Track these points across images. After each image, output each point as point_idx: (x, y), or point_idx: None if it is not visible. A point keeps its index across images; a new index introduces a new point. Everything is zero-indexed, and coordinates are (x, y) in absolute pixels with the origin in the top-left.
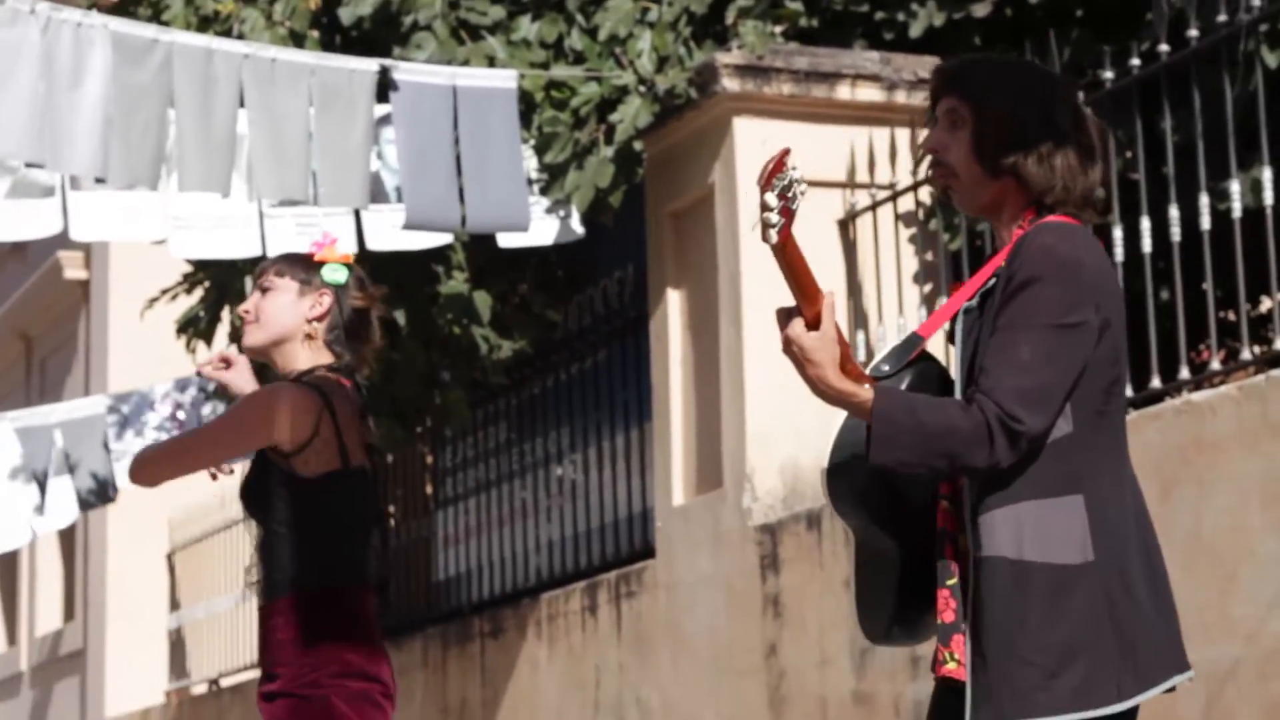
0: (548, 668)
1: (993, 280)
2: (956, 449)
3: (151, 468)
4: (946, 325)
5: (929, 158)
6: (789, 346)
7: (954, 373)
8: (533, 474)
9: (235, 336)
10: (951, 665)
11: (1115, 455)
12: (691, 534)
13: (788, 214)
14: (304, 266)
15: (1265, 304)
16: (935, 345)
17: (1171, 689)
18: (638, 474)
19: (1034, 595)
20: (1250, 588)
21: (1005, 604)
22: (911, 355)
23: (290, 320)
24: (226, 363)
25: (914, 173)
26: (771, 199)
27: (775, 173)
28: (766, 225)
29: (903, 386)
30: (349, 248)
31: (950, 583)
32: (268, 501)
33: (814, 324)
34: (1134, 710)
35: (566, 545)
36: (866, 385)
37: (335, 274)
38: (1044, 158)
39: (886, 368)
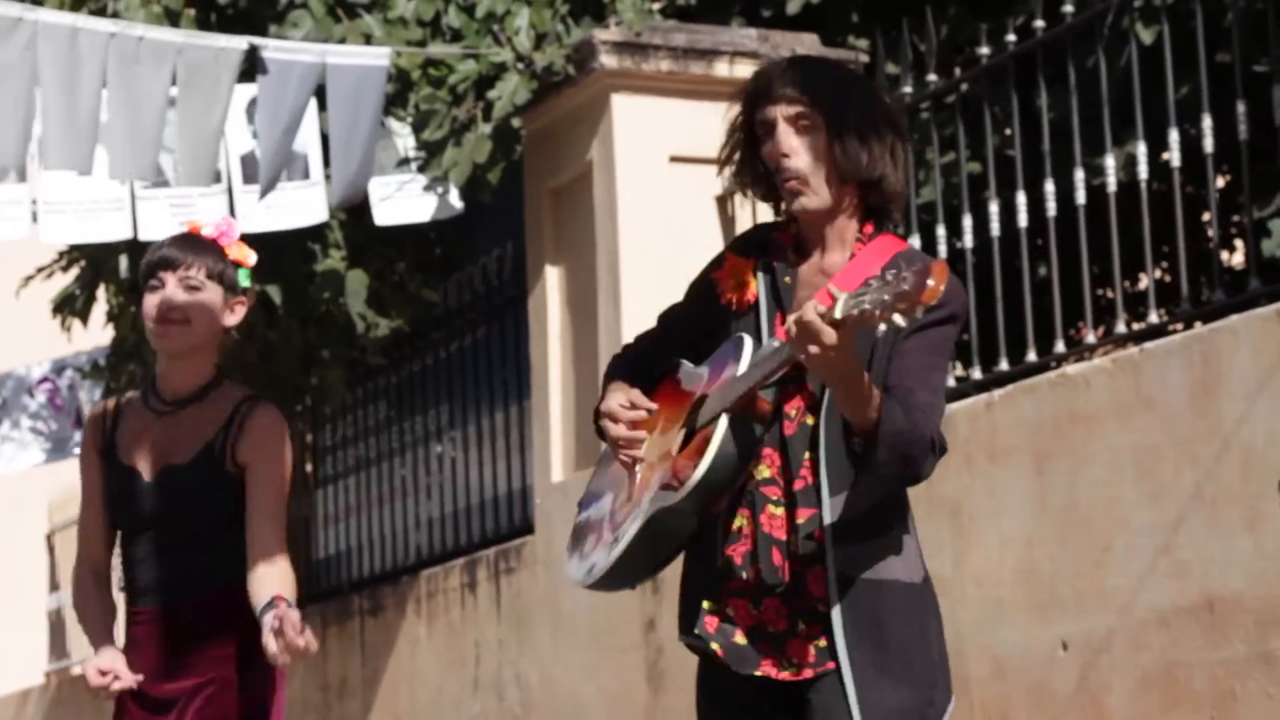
0: (427, 645)
1: None
2: (920, 458)
3: (278, 562)
4: None
5: (778, 163)
6: (831, 342)
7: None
8: (412, 452)
9: (112, 316)
10: (789, 671)
11: None
12: (570, 510)
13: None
14: (226, 268)
15: (1144, 281)
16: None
17: None
18: (517, 451)
19: (915, 615)
20: (1124, 559)
21: (907, 626)
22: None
23: (216, 328)
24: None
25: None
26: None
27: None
28: (887, 315)
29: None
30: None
31: (779, 590)
32: (203, 508)
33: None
34: None
35: (446, 522)
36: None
37: (246, 280)
38: (898, 165)
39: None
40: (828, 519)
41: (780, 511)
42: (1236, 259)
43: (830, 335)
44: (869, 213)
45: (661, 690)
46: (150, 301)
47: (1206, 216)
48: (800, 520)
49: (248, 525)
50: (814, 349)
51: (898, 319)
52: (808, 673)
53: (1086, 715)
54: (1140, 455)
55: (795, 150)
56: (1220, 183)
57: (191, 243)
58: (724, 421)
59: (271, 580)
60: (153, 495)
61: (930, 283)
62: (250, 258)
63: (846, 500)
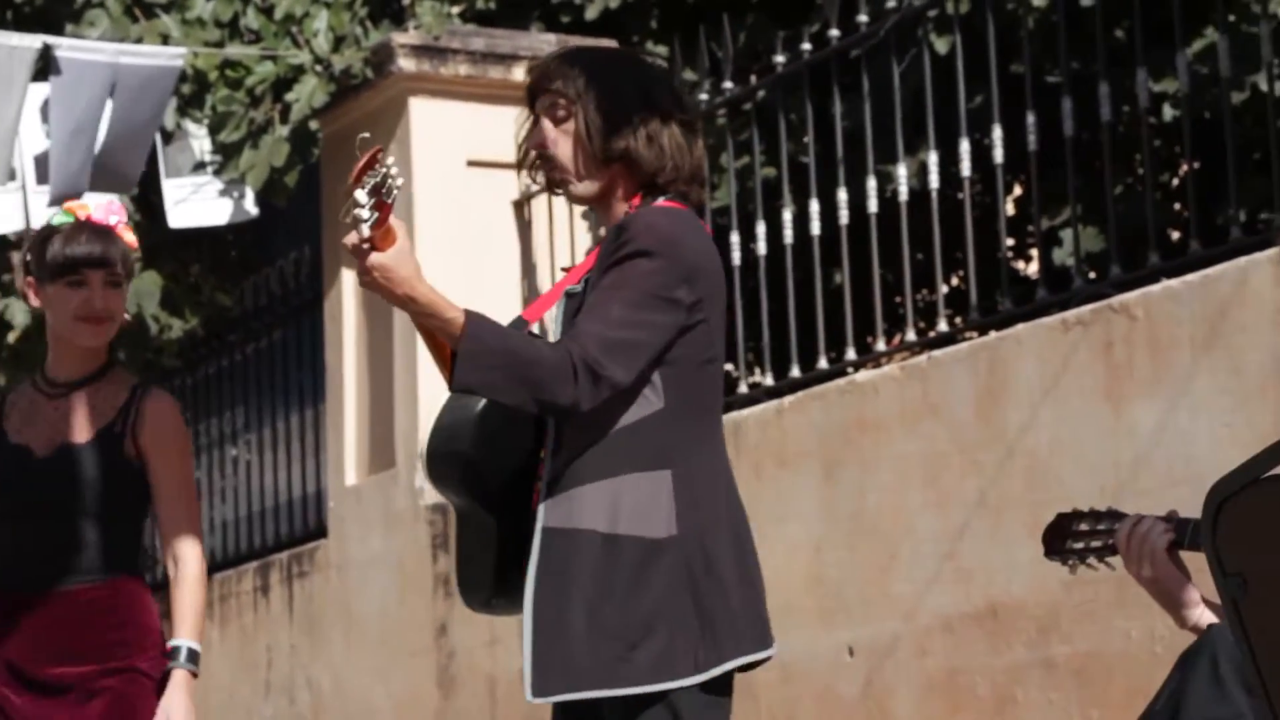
0: (220, 649)
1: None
2: (542, 379)
3: (198, 560)
4: (553, 309)
5: (533, 154)
6: (369, 274)
7: None
8: (207, 455)
9: None
10: None
11: (709, 437)
12: (364, 514)
13: (383, 208)
14: (130, 259)
15: (944, 289)
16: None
17: (754, 665)
18: (312, 454)
19: (622, 568)
20: (910, 565)
21: (593, 576)
22: None
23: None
24: None
25: (517, 167)
26: (363, 196)
27: (366, 170)
28: (359, 220)
29: None
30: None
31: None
32: (100, 489)
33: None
34: (725, 683)
35: (240, 526)
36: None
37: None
38: (653, 138)
39: None
40: (546, 473)
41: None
42: (1034, 268)
43: (361, 257)
44: (640, 189)
45: (452, 694)
46: (74, 299)
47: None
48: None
49: (160, 518)
50: (364, 277)
51: (359, 197)
52: None
53: (871, 719)
54: (927, 462)
55: (552, 141)
56: (1019, 192)
57: (107, 237)
58: None
59: (183, 606)
60: (48, 475)
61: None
62: (134, 240)
63: (562, 458)
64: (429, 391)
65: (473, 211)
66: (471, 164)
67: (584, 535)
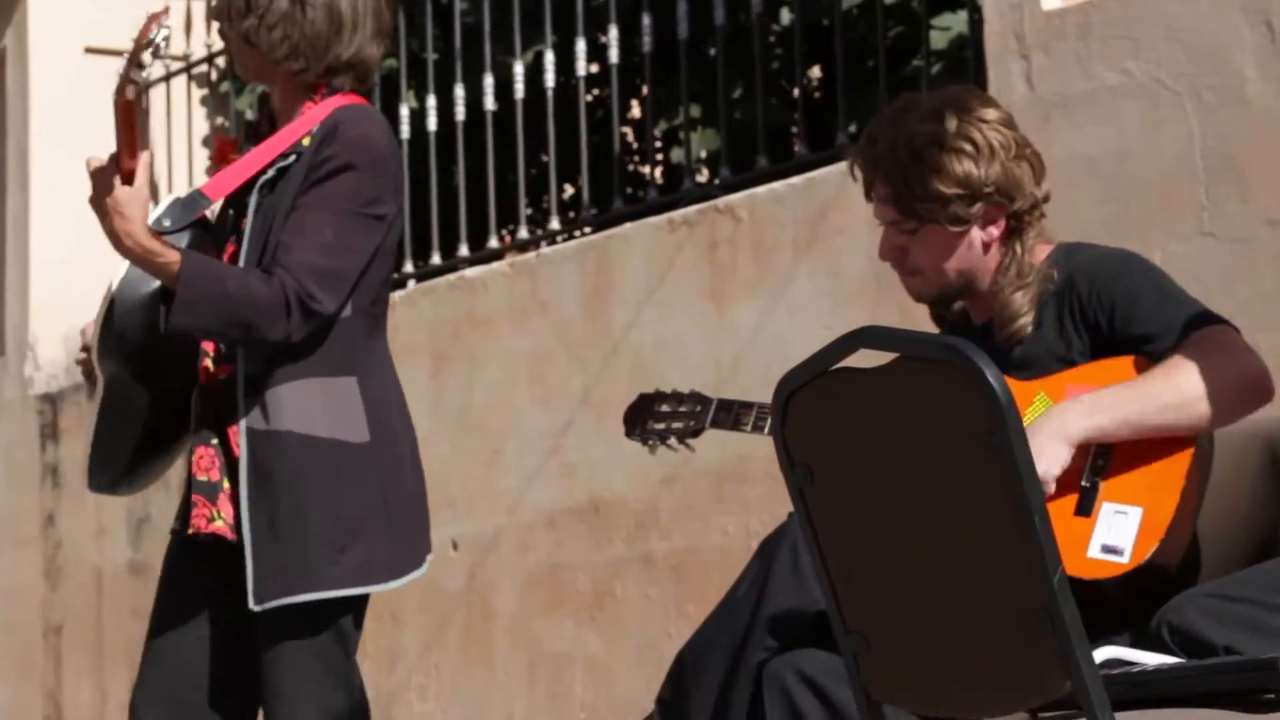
0: None
1: (293, 157)
2: (255, 320)
3: None
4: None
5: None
6: (100, 198)
7: (245, 242)
8: None
9: None
10: (220, 524)
11: (382, 343)
12: None
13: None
14: None
15: (569, 190)
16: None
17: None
18: None
19: (323, 471)
20: (514, 461)
21: (296, 478)
22: (195, 215)
23: None
24: None
25: (209, 45)
26: (148, 58)
27: (147, 33)
28: (133, 82)
29: (182, 245)
30: None
31: (214, 442)
32: None
33: (128, 180)
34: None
35: None
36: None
37: None
38: (271, 26)
39: (167, 223)
40: (241, 372)
41: (213, 366)
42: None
43: (102, 186)
44: (329, 76)
45: (59, 585)
46: None
47: (625, 128)
48: (221, 376)
49: None
50: (96, 201)
51: (135, 76)
52: (226, 531)
53: (474, 613)
54: (534, 359)
55: (225, 36)
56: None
57: None
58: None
59: None
60: None
61: (151, 27)
62: None
63: (255, 358)
64: (40, 279)
65: (89, 99)
66: (89, 51)
67: (284, 436)
